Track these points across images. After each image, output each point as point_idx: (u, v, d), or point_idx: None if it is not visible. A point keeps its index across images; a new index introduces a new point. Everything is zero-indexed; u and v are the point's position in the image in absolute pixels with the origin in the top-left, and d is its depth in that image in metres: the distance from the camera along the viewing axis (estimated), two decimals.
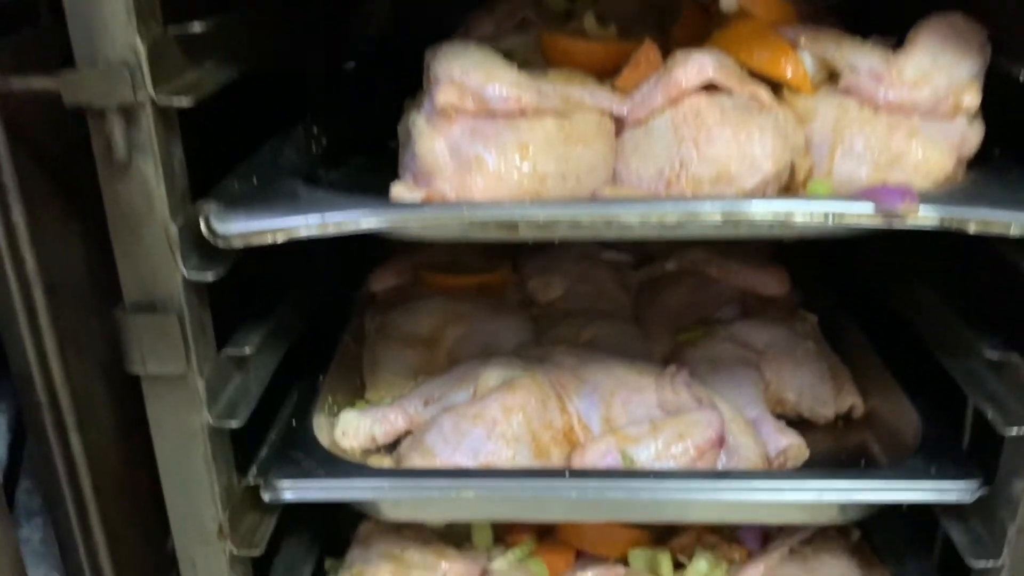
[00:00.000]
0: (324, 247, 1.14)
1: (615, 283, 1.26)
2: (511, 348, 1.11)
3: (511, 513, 0.93)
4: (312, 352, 1.07)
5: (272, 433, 0.95)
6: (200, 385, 0.78)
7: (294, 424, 0.96)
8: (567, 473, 0.88)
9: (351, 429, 1.01)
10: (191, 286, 0.76)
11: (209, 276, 0.75)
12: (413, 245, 1.31)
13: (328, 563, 1.10)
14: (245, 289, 0.92)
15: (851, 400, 1.06)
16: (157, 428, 0.80)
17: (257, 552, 0.87)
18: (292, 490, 0.87)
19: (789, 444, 0.97)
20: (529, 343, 1.12)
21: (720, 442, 0.92)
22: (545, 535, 1.10)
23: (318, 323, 1.12)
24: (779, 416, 1.03)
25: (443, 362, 1.11)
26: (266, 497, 0.87)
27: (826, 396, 1.06)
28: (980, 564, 0.84)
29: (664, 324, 1.17)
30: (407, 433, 1.02)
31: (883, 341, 1.09)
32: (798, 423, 1.04)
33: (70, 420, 0.80)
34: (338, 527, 1.14)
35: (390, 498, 0.88)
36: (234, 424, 0.81)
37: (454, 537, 1.09)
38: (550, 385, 1.00)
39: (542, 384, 0.99)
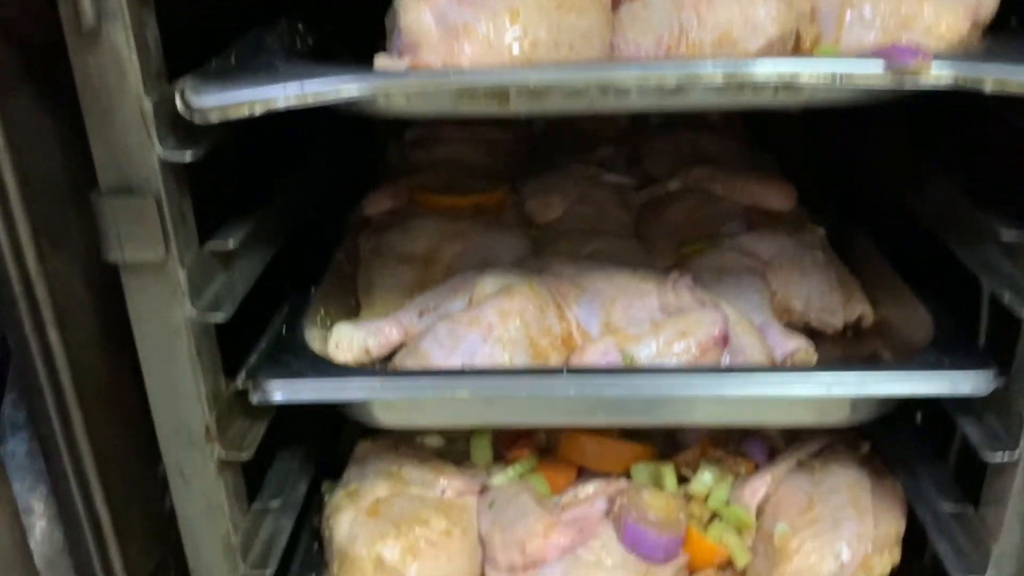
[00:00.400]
0: (318, 151, 1.12)
1: (616, 204, 1.22)
2: (509, 263, 1.07)
3: (508, 416, 0.90)
4: (304, 274, 1.04)
5: (262, 341, 0.93)
6: (181, 275, 0.75)
7: (284, 332, 0.93)
8: (565, 371, 0.85)
9: (345, 341, 0.98)
10: (168, 168, 0.72)
11: (187, 156, 0.72)
12: (409, 167, 1.28)
13: (325, 485, 1.08)
14: (234, 194, 0.89)
15: (860, 308, 1.03)
16: (138, 322, 0.78)
17: (246, 456, 0.84)
18: (282, 391, 0.84)
19: (796, 347, 0.94)
20: (528, 259, 1.09)
21: (724, 341, 0.88)
22: (546, 453, 1.08)
23: (310, 246, 1.09)
24: (787, 326, 1.00)
25: (440, 280, 1.08)
26: (255, 399, 0.84)
27: (834, 305, 1.03)
28: (996, 458, 0.80)
29: (667, 240, 1.13)
30: (402, 346, 0.99)
31: (894, 251, 1.05)
32: (806, 334, 1.00)
33: (48, 315, 0.77)
34: (335, 455, 1.12)
35: (382, 398, 0.85)
36: (218, 318, 0.78)
37: (453, 455, 1.07)
38: (549, 293, 0.96)
39: (540, 291, 0.96)
